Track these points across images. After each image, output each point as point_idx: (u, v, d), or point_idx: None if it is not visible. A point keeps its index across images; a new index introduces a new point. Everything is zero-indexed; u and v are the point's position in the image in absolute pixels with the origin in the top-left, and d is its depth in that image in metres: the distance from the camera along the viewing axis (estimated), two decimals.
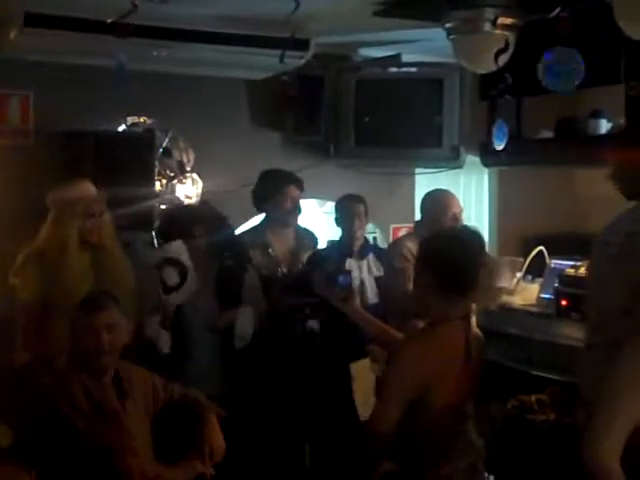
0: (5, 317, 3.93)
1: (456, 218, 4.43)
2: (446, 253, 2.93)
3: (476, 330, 3.03)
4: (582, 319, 4.00)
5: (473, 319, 3.04)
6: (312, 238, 4.78)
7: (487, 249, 3.26)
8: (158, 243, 4.46)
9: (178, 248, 3.96)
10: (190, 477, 3.15)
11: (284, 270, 4.56)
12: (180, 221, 4.17)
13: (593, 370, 2.78)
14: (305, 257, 4.59)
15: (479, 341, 3.02)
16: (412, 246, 4.14)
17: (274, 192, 4.51)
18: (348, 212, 4.55)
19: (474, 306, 3.21)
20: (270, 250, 4.54)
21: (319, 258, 4.57)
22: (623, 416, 2.44)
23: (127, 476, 2.98)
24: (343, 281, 3.44)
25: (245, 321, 4.05)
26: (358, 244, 4.56)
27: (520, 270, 4.71)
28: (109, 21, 3.90)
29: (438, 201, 4.51)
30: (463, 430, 2.92)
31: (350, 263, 4.47)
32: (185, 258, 3.94)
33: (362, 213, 4.56)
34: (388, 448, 2.84)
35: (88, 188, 3.99)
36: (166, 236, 4.16)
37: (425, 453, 2.87)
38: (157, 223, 4.63)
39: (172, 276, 3.91)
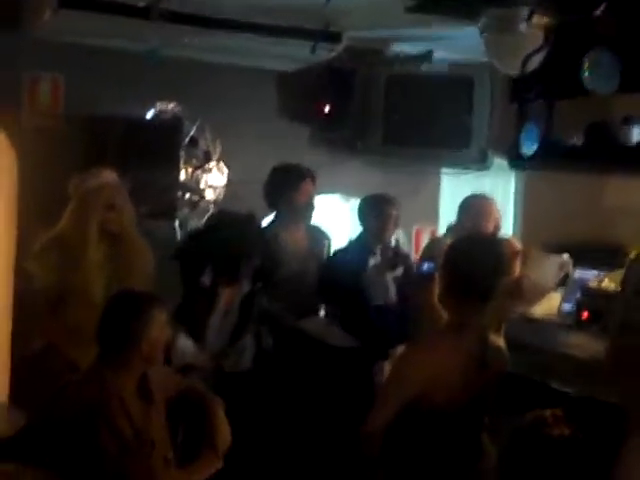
0: (22, 302, 3.91)
1: (497, 225, 4.38)
2: (464, 258, 2.90)
3: (497, 341, 2.98)
4: (602, 332, 3.96)
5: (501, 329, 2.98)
6: (324, 236, 4.66)
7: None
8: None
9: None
10: (209, 473, 3.13)
11: (296, 267, 4.42)
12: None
13: None
14: (318, 255, 4.51)
15: (499, 352, 2.97)
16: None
17: (287, 187, 4.40)
18: (379, 213, 4.41)
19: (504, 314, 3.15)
20: (283, 249, 4.39)
21: (343, 253, 4.49)
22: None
23: None
24: (428, 268, 3.37)
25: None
26: (381, 246, 4.43)
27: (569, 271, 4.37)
28: (143, 4, 3.86)
29: (480, 206, 4.46)
30: (477, 439, 2.89)
31: (373, 262, 4.37)
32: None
33: (394, 216, 4.43)
34: (375, 450, 2.80)
35: (110, 177, 3.96)
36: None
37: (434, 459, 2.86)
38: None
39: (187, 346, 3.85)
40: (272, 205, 4.51)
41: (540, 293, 4.07)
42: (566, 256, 4.09)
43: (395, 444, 2.89)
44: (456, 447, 2.90)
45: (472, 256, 2.93)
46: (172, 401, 3.23)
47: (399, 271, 4.42)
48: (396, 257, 4.44)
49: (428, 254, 4.30)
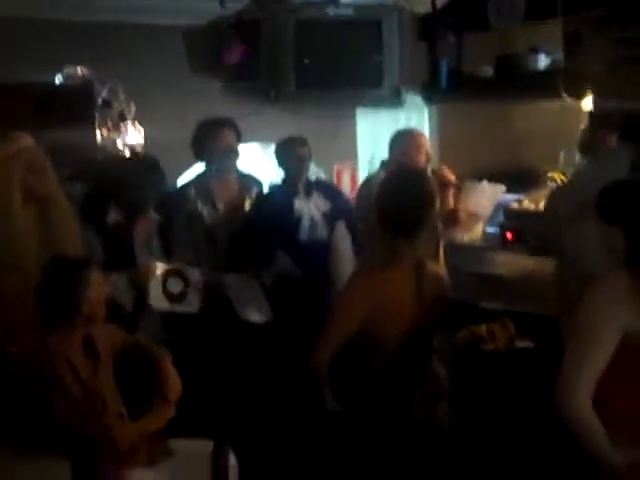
0: None
1: (424, 154, 4.42)
2: (392, 193, 2.98)
3: (436, 268, 3.08)
4: (527, 251, 4.14)
5: (441, 255, 3.08)
6: (255, 182, 4.74)
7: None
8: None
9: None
10: (164, 423, 3.18)
11: (227, 218, 4.51)
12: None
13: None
14: (249, 202, 4.60)
15: (438, 279, 3.08)
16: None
17: (208, 137, 4.47)
18: (292, 155, 4.56)
19: (443, 241, 3.24)
20: (214, 199, 4.52)
21: (265, 201, 4.61)
22: (593, 358, 2.40)
23: (113, 449, 2.99)
24: None
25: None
26: (302, 184, 4.60)
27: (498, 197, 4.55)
28: None
29: (411, 140, 4.50)
30: (428, 365, 3.01)
31: (298, 203, 4.53)
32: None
33: (306, 155, 4.58)
34: (324, 380, 2.92)
35: (27, 141, 3.89)
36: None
37: (388, 394, 2.96)
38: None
39: (177, 286, 3.95)
40: (198, 156, 4.59)
41: (475, 220, 4.22)
42: (499, 185, 4.24)
43: (343, 374, 2.99)
44: (404, 374, 3.01)
45: (399, 192, 3.00)
46: (119, 356, 3.27)
47: (326, 205, 4.57)
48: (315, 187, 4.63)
49: (365, 191, 4.40)
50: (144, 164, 4.29)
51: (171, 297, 3.98)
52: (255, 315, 4.28)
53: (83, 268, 3.12)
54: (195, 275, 4.07)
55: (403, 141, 4.52)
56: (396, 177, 3.25)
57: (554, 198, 3.79)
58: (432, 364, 3.08)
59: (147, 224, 4.10)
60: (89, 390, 2.98)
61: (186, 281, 4.02)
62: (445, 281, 3.14)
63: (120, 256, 3.91)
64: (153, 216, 4.14)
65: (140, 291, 3.91)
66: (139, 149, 4.94)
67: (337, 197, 4.73)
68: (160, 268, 3.96)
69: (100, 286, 3.14)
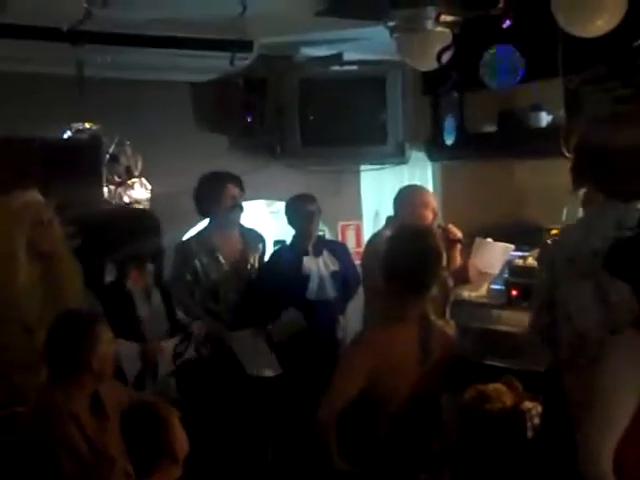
0: None
1: (430, 211, 4.44)
2: (400, 252, 2.99)
3: (443, 326, 3.09)
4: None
5: (447, 312, 3.09)
6: (259, 238, 4.80)
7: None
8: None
9: None
10: None
11: (231, 274, 4.56)
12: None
13: (578, 390, 2.78)
14: (253, 258, 4.63)
15: (445, 338, 3.08)
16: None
17: (212, 192, 4.53)
18: (302, 213, 4.60)
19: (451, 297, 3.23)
20: (217, 254, 4.55)
21: (274, 258, 4.63)
22: (617, 421, 2.38)
23: None
24: None
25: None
26: (312, 242, 4.63)
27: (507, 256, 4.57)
28: (66, 29, 3.87)
29: (418, 196, 4.54)
30: (433, 422, 3.00)
31: (307, 261, 4.55)
32: None
33: (315, 213, 4.62)
34: (332, 439, 2.90)
35: (35, 196, 3.91)
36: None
37: (395, 454, 2.94)
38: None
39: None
40: (202, 211, 4.64)
41: (486, 279, 4.24)
42: (508, 244, 4.24)
43: (351, 434, 2.98)
44: (412, 433, 3.00)
45: (407, 249, 3.02)
46: (125, 414, 3.23)
47: (335, 265, 4.60)
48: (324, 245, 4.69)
49: (371, 248, 4.42)
50: (134, 216, 4.34)
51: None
52: (262, 370, 4.29)
53: (92, 322, 3.11)
54: (197, 328, 4.08)
55: (410, 198, 4.55)
56: (403, 234, 3.26)
57: (545, 254, 3.80)
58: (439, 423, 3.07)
59: (142, 276, 4.10)
60: (96, 448, 2.96)
61: (188, 337, 4.01)
62: (451, 338, 3.14)
63: (122, 316, 3.87)
64: (148, 267, 4.14)
65: (146, 363, 3.91)
66: (145, 204, 4.97)
67: (346, 257, 4.76)
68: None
69: (109, 342, 3.12)
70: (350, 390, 2.92)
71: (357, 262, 4.75)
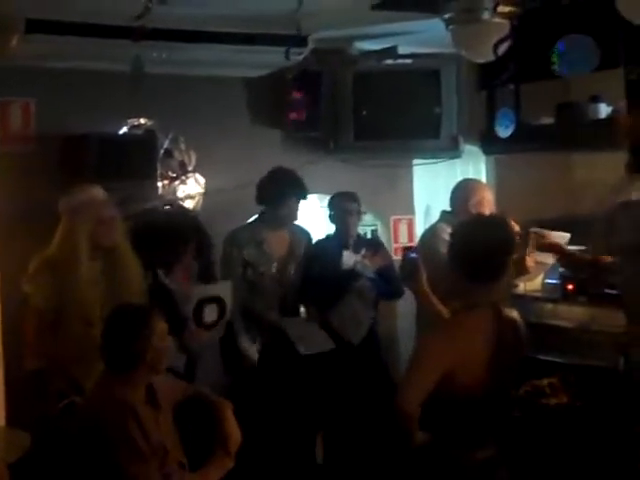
0: (15, 322, 3.92)
1: (487, 205, 4.45)
2: (471, 242, 2.97)
3: (512, 315, 3.06)
4: (589, 302, 4.08)
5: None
6: (306, 235, 4.84)
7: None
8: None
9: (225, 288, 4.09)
10: (223, 474, 3.18)
11: (278, 267, 4.63)
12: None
13: None
14: (298, 252, 4.69)
15: (515, 327, 3.05)
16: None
17: (280, 197, 4.56)
18: (341, 210, 4.69)
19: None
20: (265, 246, 4.59)
21: (318, 250, 4.71)
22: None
23: None
24: (410, 258, 3.48)
25: None
26: (352, 239, 4.71)
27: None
28: (124, 25, 3.89)
29: (475, 190, 4.55)
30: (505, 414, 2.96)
31: (347, 255, 4.62)
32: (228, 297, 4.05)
33: (355, 211, 4.68)
34: (416, 427, 2.89)
35: (98, 193, 3.97)
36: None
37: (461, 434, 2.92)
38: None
39: (212, 314, 4.01)
40: (261, 203, 4.66)
41: (542, 269, 4.19)
42: (564, 233, 4.21)
43: (430, 422, 2.95)
44: (487, 425, 2.97)
45: (481, 238, 2.99)
46: (178, 406, 3.29)
47: (380, 262, 4.64)
48: (364, 244, 4.74)
49: (427, 242, 4.43)
50: (168, 218, 4.43)
51: (201, 323, 4.01)
52: (317, 347, 4.37)
53: (148, 316, 3.14)
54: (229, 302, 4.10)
55: (468, 191, 4.56)
56: (478, 224, 3.22)
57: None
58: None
59: (185, 274, 4.16)
60: (151, 439, 2.99)
61: (222, 310, 4.03)
62: (521, 327, 3.10)
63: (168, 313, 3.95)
64: (193, 265, 4.21)
65: (191, 354, 3.94)
66: (199, 199, 5.01)
67: (385, 256, 4.79)
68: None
69: (164, 335, 3.16)
70: (432, 378, 2.88)
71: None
